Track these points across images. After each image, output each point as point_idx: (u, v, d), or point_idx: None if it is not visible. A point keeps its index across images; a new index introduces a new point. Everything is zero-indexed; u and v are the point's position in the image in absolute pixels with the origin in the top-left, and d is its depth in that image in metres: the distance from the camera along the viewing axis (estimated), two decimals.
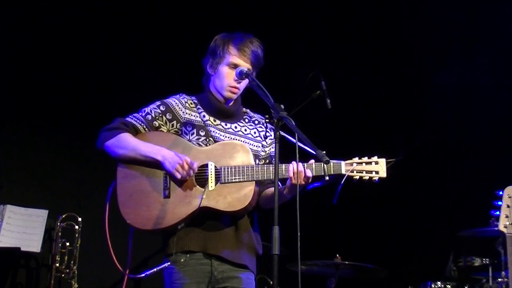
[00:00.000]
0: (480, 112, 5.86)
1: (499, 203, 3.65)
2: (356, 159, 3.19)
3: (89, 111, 5.71)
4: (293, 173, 3.12)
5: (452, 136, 5.95)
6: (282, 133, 3.19)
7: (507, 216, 3.60)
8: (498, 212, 3.64)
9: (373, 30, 6.28)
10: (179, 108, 3.41)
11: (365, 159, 3.19)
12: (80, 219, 5.18)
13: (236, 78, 3.34)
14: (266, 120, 3.23)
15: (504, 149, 5.71)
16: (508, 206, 3.61)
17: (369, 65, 6.34)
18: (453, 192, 5.86)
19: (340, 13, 6.30)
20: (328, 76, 3.36)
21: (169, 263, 3.26)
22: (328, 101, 3.38)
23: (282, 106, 3.04)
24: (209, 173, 3.24)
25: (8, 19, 5.54)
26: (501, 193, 3.66)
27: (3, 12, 5.48)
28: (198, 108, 3.43)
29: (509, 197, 3.63)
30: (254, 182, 3.22)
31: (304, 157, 3.12)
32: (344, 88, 5.75)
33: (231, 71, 3.35)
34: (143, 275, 3.28)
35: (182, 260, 3.25)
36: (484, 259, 4.97)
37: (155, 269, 3.27)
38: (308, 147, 2.95)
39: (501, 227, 3.61)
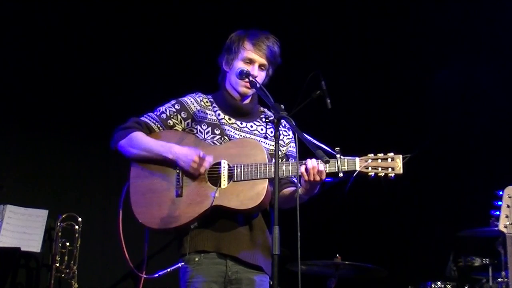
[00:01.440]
0: (480, 112, 5.86)
1: (499, 203, 3.64)
2: (371, 155, 3.14)
3: (90, 111, 5.71)
4: (306, 170, 3.09)
5: (452, 136, 5.95)
6: (293, 128, 3.16)
7: (507, 216, 3.59)
8: (498, 212, 3.63)
9: (374, 30, 6.28)
10: (194, 106, 3.39)
11: (381, 155, 3.14)
12: (80, 219, 5.17)
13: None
14: (267, 120, 3.22)
15: (504, 149, 5.71)
16: (508, 206, 3.60)
17: (369, 65, 6.34)
18: (453, 192, 5.86)
19: (340, 13, 6.30)
20: (328, 78, 3.35)
21: (182, 263, 3.23)
22: (328, 101, 3.37)
23: (282, 106, 3.03)
24: (222, 171, 3.21)
25: (13, 16, 5.54)
26: (501, 193, 3.65)
27: (7, 10, 5.48)
28: (214, 107, 3.41)
29: (509, 197, 3.62)
30: (267, 180, 3.16)
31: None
32: (346, 87, 5.75)
33: (246, 66, 3.32)
34: (156, 275, 3.27)
35: (196, 259, 3.21)
36: (484, 259, 4.97)
37: (169, 269, 3.25)
38: (308, 146, 2.94)
39: (501, 227, 3.60)
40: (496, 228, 3.64)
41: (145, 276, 3.33)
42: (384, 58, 6.27)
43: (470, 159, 5.87)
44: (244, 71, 3.27)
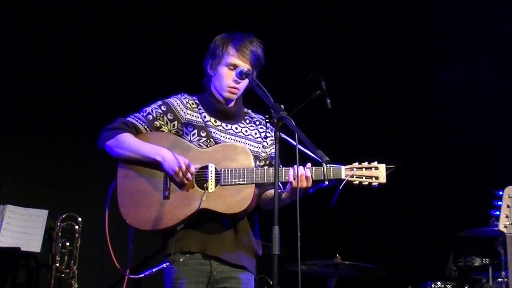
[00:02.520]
0: (480, 112, 5.86)
1: (499, 203, 3.65)
2: (356, 164, 3.19)
3: (89, 111, 5.71)
4: (294, 178, 3.12)
5: (452, 136, 5.95)
6: (282, 135, 3.19)
7: (507, 216, 3.60)
8: (498, 212, 3.64)
9: (374, 30, 6.28)
10: (180, 108, 3.41)
11: (365, 164, 3.19)
12: (80, 219, 5.18)
13: (236, 79, 3.34)
14: (266, 120, 3.23)
15: (504, 149, 5.71)
16: (508, 206, 3.61)
17: (369, 66, 6.34)
18: (453, 192, 5.86)
19: (340, 13, 6.30)
20: (328, 78, 3.35)
21: (168, 263, 3.26)
22: (328, 101, 3.37)
23: (282, 106, 3.04)
24: (209, 175, 3.24)
25: (8, 17, 5.54)
26: (501, 193, 3.66)
27: (3, 11, 5.48)
28: (199, 109, 3.44)
29: (509, 197, 3.63)
30: (254, 185, 3.21)
31: (303, 161, 3.11)
32: (344, 90, 5.74)
33: (230, 72, 3.35)
34: (142, 275, 3.29)
35: (182, 259, 3.25)
36: (484, 259, 4.97)
37: (154, 269, 3.28)
38: (308, 146, 2.94)
39: (501, 227, 3.61)
40: (496, 228, 3.65)
41: (130, 276, 3.35)
42: (384, 58, 6.27)
43: (470, 159, 5.87)
44: (244, 72, 3.29)
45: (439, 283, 5.00)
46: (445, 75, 5.96)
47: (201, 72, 3.51)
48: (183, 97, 3.46)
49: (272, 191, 3.32)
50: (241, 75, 3.30)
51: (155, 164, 3.26)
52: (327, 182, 3.11)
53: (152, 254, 5.11)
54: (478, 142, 5.82)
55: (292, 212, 2.89)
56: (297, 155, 3.01)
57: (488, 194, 3.73)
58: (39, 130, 5.64)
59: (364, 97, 6.32)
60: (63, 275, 5.09)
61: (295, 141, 2.97)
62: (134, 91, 5.65)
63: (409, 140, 5.96)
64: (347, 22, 6.34)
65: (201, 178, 3.25)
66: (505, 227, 3.60)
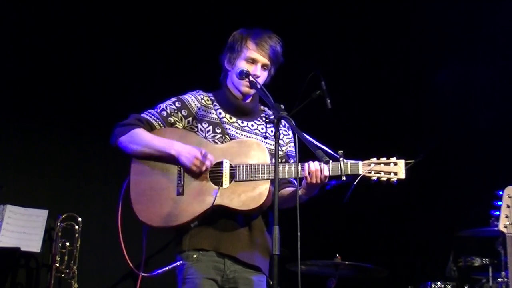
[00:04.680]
0: (480, 112, 5.86)
1: (499, 203, 3.65)
2: (374, 160, 3.12)
3: (90, 111, 5.71)
4: (309, 172, 3.09)
5: (452, 136, 5.95)
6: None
7: (507, 216, 3.60)
8: (498, 212, 3.64)
9: (374, 29, 6.28)
10: (195, 104, 3.38)
11: (384, 159, 3.12)
12: (80, 219, 5.18)
13: (255, 72, 3.31)
14: (266, 120, 3.22)
15: (504, 149, 5.71)
16: (508, 206, 3.61)
17: (369, 66, 6.33)
18: (453, 192, 5.86)
19: (340, 13, 6.30)
20: (328, 78, 3.35)
21: (181, 261, 3.23)
22: (328, 101, 3.38)
23: (282, 106, 3.03)
24: (224, 171, 3.21)
25: (12, 14, 5.54)
26: (501, 193, 3.66)
27: (8, 8, 5.48)
28: (215, 105, 3.40)
29: (509, 197, 3.63)
30: (269, 181, 3.16)
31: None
32: (344, 90, 5.75)
33: (249, 66, 3.32)
34: (154, 273, 3.27)
35: (195, 256, 3.21)
36: (484, 259, 4.97)
37: (167, 268, 3.25)
38: (308, 146, 2.93)
39: (501, 227, 3.61)
40: (496, 228, 3.65)
41: (143, 274, 3.32)
42: (384, 58, 6.27)
43: (470, 159, 5.87)
44: (244, 71, 3.26)
45: (439, 283, 5.00)
46: (445, 74, 5.96)
47: (216, 70, 3.49)
48: (198, 93, 3.43)
49: (287, 189, 3.31)
50: (241, 75, 3.27)
51: (170, 159, 3.23)
52: (344, 178, 3.04)
53: (154, 252, 5.11)
54: (478, 142, 5.82)
55: (292, 212, 2.89)
56: (297, 153, 3.00)
57: (488, 194, 3.73)
58: (39, 130, 5.64)
59: (363, 97, 6.32)
60: (63, 275, 5.09)
61: (305, 136, 2.94)
62: (135, 92, 5.65)
63: (409, 140, 5.95)
64: (347, 22, 6.34)
65: (215, 174, 3.22)
66: (505, 227, 3.60)
